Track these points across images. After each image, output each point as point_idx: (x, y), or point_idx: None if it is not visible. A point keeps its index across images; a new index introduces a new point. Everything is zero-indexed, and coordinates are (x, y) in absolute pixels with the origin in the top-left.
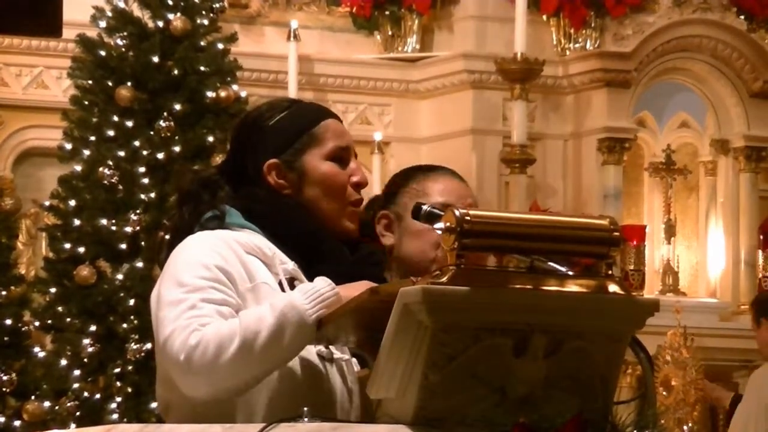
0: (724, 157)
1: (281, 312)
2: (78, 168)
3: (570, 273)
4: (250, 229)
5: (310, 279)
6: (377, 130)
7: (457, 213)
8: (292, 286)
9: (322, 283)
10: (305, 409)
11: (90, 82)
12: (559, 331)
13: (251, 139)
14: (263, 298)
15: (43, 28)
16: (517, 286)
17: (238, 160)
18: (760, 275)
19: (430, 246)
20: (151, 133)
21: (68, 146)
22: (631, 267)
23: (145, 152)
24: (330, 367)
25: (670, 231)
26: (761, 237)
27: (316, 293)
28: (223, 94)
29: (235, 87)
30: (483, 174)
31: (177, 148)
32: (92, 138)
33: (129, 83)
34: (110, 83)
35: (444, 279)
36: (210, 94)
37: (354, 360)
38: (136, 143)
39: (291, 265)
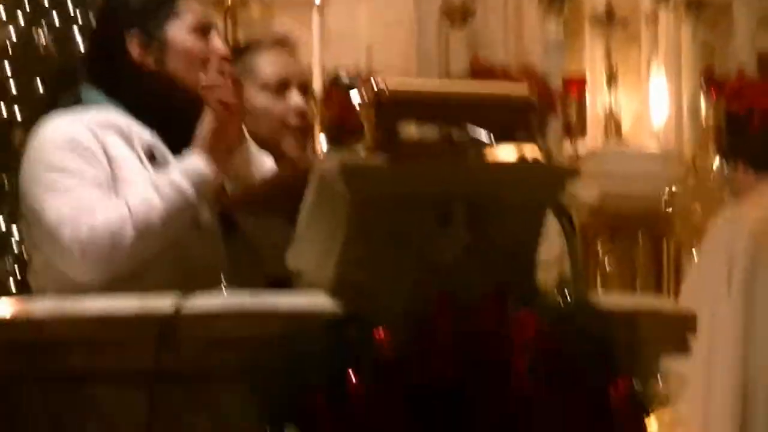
0: (664, 8)
1: (168, 195)
2: None
3: (490, 142)
4: (105, 105)
5: (172, 150)
6: None
7: (374, 84)
8: (152, 156)
9: (198, 161)
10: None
11: None
12: (480, 199)
13: (113, 13)
14: (123, 170)
15: None
16: (437, 156)
17: (100, 41)
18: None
19: (276, 121)
20: None
21: None
22: (573, 117)
23: None
24: (195, 234)
25: (612, 80)
26: (703, 82)
27: (193, 172)
28: None
29: None
30: (424, 28)
31: None
32: None
33: None
34: None
35: (362, 150)
36: None
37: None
38: None
39: (147, 135)
